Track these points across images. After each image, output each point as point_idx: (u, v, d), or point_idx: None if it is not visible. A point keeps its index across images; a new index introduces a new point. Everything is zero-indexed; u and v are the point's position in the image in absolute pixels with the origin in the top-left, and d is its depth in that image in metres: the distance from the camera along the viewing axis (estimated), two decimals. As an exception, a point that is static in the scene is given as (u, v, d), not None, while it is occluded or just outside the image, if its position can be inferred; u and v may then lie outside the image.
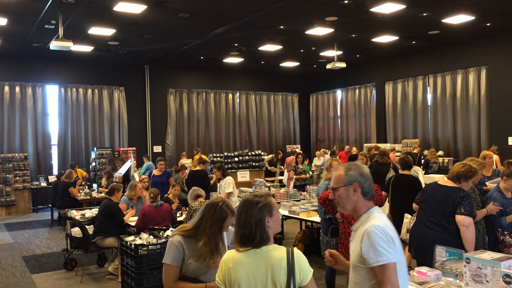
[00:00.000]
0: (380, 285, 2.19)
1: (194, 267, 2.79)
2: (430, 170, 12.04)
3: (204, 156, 13.04)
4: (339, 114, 18.56)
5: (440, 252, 3.18)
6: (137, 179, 10.01)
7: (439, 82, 14.46)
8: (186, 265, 2.80)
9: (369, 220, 2.29)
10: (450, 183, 4.10)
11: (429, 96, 14.89)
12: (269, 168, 14.22)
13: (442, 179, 4.60)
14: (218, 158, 12.11)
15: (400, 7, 9.56)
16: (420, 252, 4.11)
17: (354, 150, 14.82)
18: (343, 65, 12.94)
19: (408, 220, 8.00)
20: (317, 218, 6.46)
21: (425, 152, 13.49)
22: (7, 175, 12.82)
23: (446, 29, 11.65)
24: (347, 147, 15.84)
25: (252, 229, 2.28)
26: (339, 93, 18.51)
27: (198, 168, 9.21)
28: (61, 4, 8.78)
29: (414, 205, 4.57)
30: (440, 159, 13.00)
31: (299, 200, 8.21)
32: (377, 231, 2.20)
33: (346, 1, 9.16)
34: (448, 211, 3.93)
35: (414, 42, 13.26)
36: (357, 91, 17.55)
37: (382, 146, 13.49)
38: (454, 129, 14.14)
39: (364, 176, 2.38)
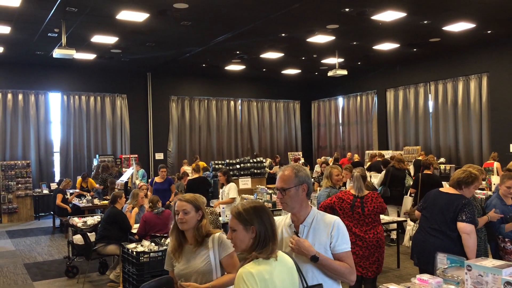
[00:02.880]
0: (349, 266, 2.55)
1: (177, 270, 2.98)
2: None
3: (202, 163, 13.01)
4: (340, 121, 18.57)
5: (441, 260, 3.17)
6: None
7: (441, 89, 14.47)
8: (175, 268, 3.02)
9: (323, 215, 2.58)
10: (452, 190, 4.10)
11: (431, 103, 14.90)
12: (271, 172, 14.14)
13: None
14: (220, 166, 12.14)
15: (401, 15, 9.61)
16: (422, 259, 4.11)
17: (356, 157, 14.80)
18: (345, 72, 12.98)
19: (410, 227, 8.01)
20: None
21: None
22: (10, 182, 12.85)
23: (447, 37, 11.68)
24: (349, 154, 15.82)
25: (274, 236, 2.30)
26: (340, 100, 18.54)
27: (195, 175, 9.22)
28: (64, 12, 8.85)
29: (417, 213, 4.57)
30: (442, 166, 13.00)
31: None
32: (342, 223, 2.55)
33: (347, 9, 9.21)
34: (450, 218, 3.93)
35: (415, 50, 13.30)
36: (358, 98, 17.57)
37: (384, 153, 13.50)
38: (456, 136, 14.12)
39: (310, 177, 2.61)
